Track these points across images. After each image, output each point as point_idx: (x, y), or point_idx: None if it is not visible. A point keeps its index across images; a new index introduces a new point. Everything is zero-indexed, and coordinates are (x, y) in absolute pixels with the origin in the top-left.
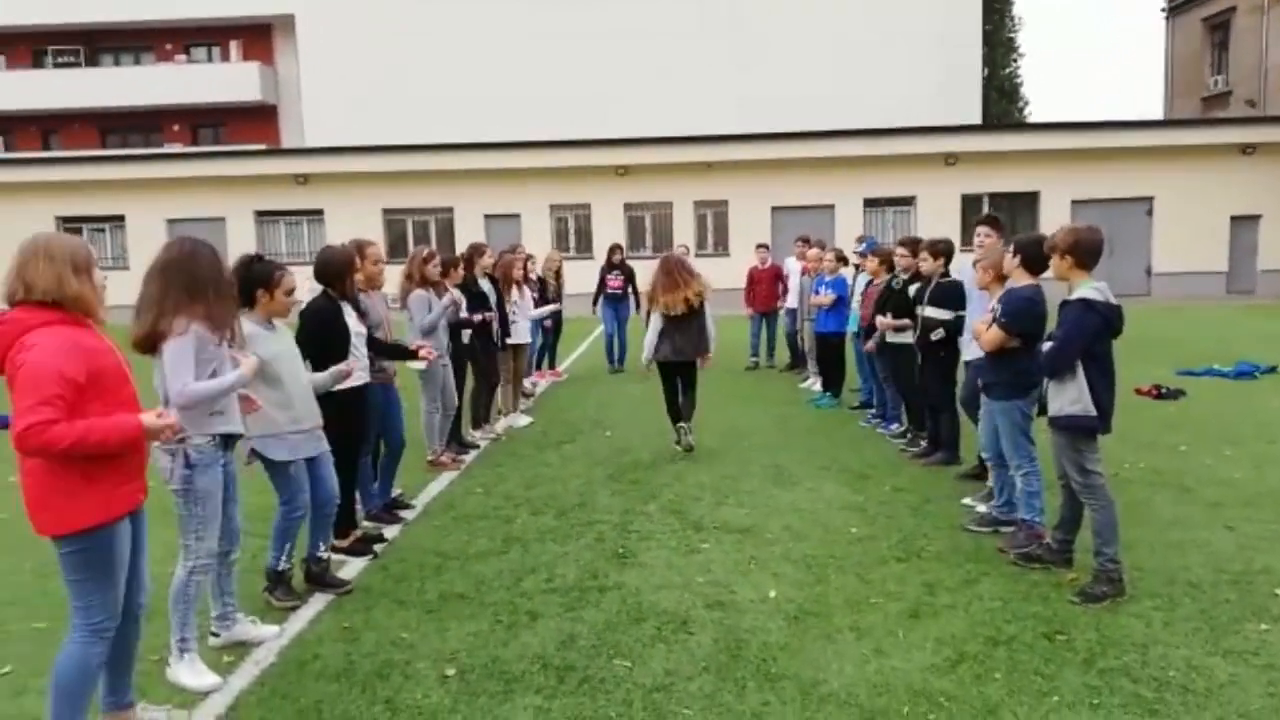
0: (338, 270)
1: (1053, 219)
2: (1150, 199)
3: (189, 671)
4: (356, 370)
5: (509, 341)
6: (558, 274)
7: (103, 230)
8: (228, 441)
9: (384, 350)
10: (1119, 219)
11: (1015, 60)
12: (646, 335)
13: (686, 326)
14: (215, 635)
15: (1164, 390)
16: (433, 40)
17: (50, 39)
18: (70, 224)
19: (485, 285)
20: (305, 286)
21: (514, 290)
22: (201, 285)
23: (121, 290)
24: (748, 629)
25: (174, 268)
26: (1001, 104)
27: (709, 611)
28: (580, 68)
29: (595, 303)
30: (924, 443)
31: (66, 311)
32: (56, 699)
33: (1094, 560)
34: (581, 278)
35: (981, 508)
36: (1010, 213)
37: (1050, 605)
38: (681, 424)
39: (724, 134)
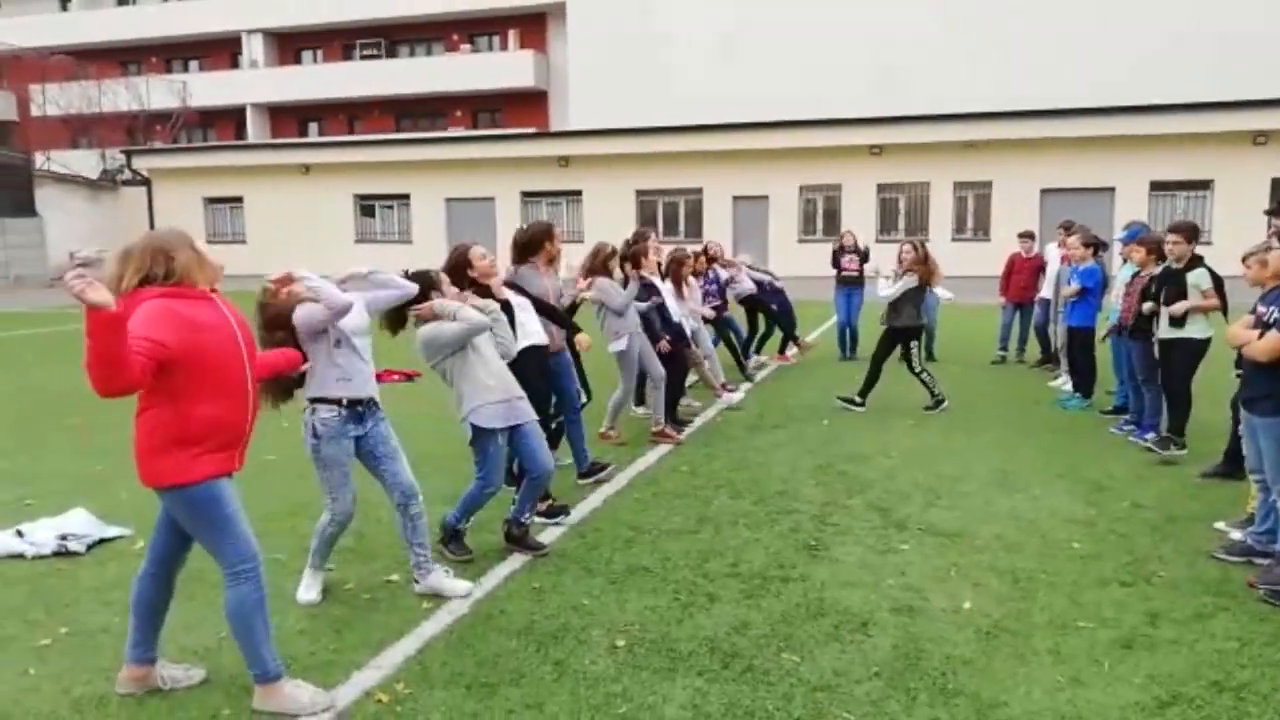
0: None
1: None
2: None
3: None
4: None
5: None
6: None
7: (391, 207)
8: (357, 408)
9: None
10: None
11: None
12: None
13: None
14: (415, 582)
15: None
16: (694, 23)
17: (357, 34)
18: (365, 201)
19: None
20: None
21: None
22: None
23: (401, 262)
24: (932, 638)
25: None
26: None
27: (893, 615)
28: (836, 43)
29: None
30: (1177, 450)
31: (179, 286)
32: (237, 639)
33: None
34: (827, 261)
35: (1236, 534)
36: None
37: None
38: None
39: (986, 111)
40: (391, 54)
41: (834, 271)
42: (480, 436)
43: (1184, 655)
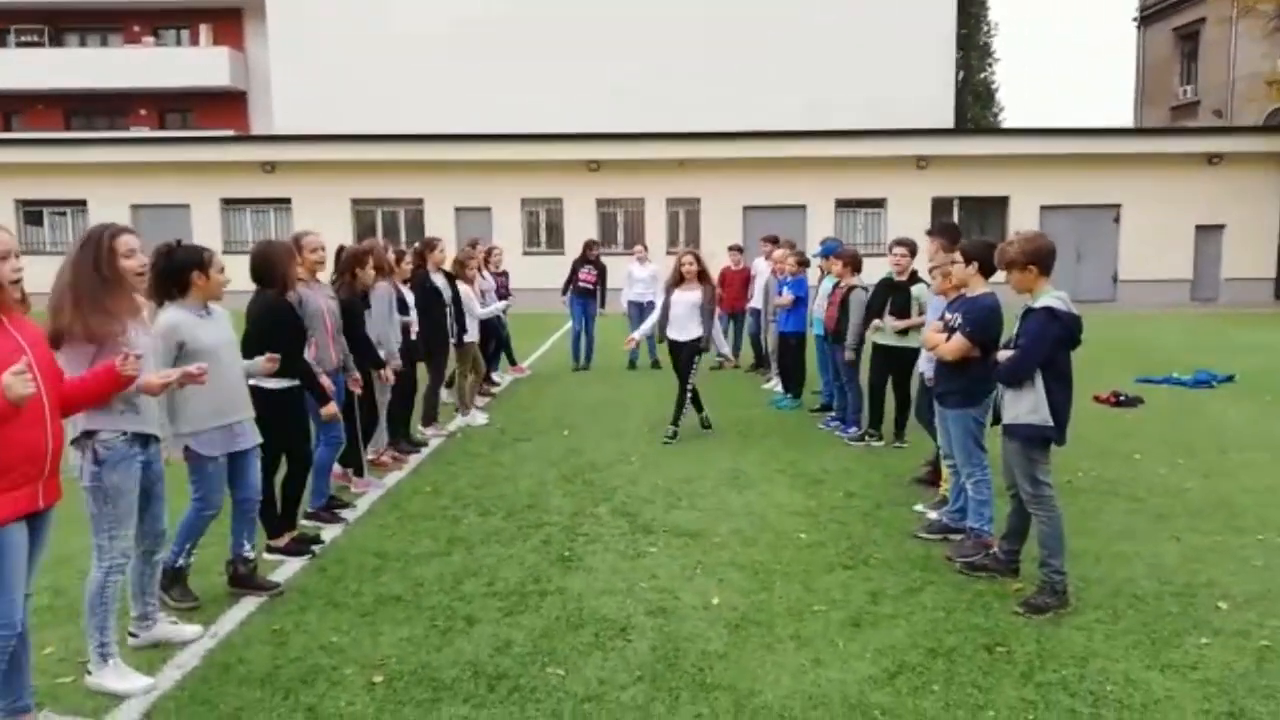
0: (280, 269)
1: (1022, 223)
2: (1118, 206)
3: (115, 676)
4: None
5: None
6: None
7: (64, 214)
8: (144, 440)
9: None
10: (1086, 225)
11: (990, 65)
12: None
13: None
14: (134, 636)
15: (1122, 398)
16: (405, 28)
17: (11, 18)
18: (30, 207)
19: (439, 281)
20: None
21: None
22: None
23: None
24: (687, 637)
25: (81, 265)
26: (976, 108)
27: (649, 618)
28: (555, 59)
29: (564, 291)
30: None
31: None
32: None
33: (1039, 571)
34: (552, 273)
35: (932, 514)
36: (980, 216)
37: (992, 616)
38: None
39: (696, 131)
40: (57, 42)
41: (568, 282)
42: (198, 457)
43: (903, 627)
